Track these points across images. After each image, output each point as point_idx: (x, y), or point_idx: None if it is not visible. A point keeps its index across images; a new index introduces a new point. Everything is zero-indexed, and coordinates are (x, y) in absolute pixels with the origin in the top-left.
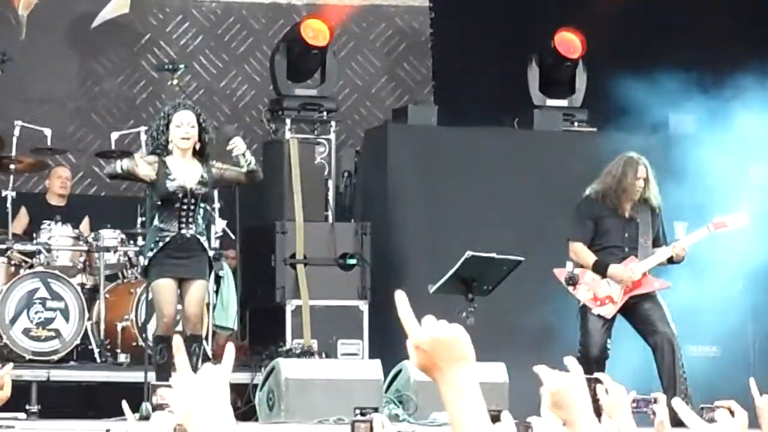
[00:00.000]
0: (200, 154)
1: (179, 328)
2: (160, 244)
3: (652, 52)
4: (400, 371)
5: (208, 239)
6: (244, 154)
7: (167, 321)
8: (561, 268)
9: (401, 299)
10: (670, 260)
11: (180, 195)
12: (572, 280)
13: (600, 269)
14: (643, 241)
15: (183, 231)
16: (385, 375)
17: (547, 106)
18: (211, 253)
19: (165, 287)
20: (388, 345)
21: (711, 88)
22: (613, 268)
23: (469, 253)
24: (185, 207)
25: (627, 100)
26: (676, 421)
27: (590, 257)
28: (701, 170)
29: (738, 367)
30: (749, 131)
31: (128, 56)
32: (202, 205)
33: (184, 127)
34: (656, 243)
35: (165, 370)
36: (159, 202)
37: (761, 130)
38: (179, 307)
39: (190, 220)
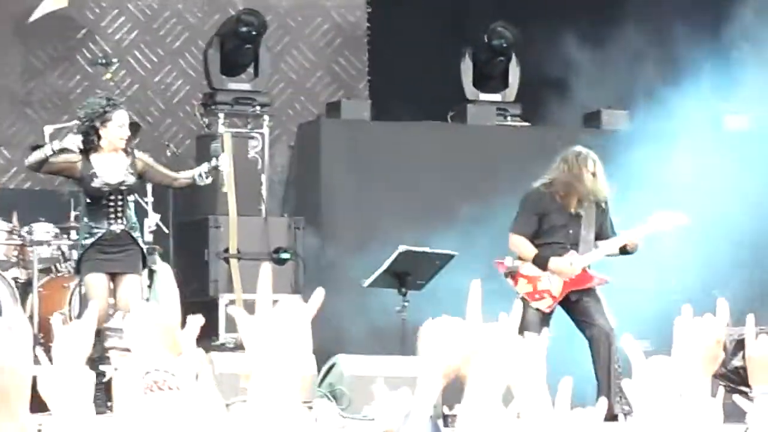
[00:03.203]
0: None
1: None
2: (90, 240)
3: (587, 47)
4: (333, 365)
5: (141, 233)
6: (209, 172)
7: (99, 315)
8: (500, 259)
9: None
10: (624, 251)
11: (106, 192)
12: (511, 273)
13: (540, 262)
14: (585, 235)
15: (113, 227)
16: (318, 369)
17: (481, 100)
18: (144, 247)
19: (96, 282)
20: (321, 339)
21: (644, 85)
22: (554, 261)
23: (402, 248)
24: (113, 203)
25: (560, 94)
26: (609, 416)
27: (530, 251)
28: (632, 166)
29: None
30: (682, 127)
31: (65, 50)
32: (130, 198)
33: (125, 128)
34: (602, 237)
35: (97, 363)
36: (87, 199)
37: (694, 126)
38: (111, 300)
39: (119, 215)
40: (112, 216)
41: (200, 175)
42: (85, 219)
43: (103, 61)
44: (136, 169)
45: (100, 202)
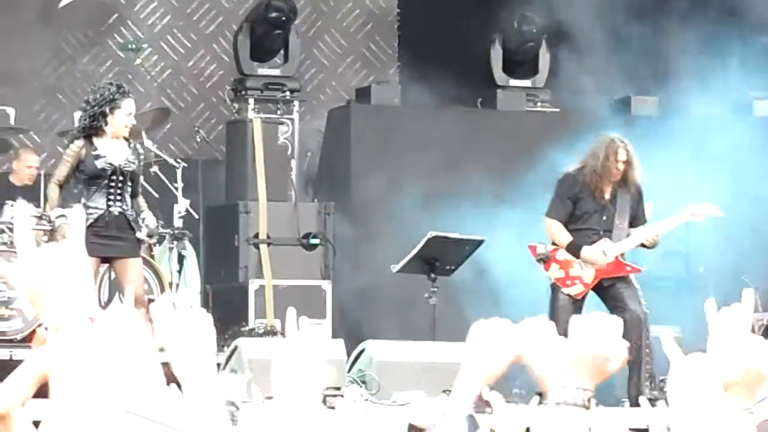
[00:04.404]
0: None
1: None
2: (87, 221)
3: (617, 33)
4: (362, 351)
5: (137, 220)
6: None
7: None
8: (533, 244)
9: None
10: (642, 245)
11: (108, 172)
12: (544, 258)
13: (573, 250)
14: (619, 223)
15: (111, 208)
16: (348, 355)
17: (510, 86)
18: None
19: None
20: (350, 325)
21: (673, 71)
22: (586, 251)
23: (431, 233)
24: (113, 184)
25: (590, 80)
26: (634, 402)
27: (565, 237)
28: (662, 152)
29: (699, 348)
30: (711, 113)
31: (95, 35)
32: (129, 183)
33: (131, 117)
34: (635, 223)
35: None
36: (87, 180)
37: (723, 112)
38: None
39: (119, 197)
40: (111, 197)
41: (142, 228)
42: (83, 200)
43: (134, 46)
44: (137, 158)
45: (101, 183)
